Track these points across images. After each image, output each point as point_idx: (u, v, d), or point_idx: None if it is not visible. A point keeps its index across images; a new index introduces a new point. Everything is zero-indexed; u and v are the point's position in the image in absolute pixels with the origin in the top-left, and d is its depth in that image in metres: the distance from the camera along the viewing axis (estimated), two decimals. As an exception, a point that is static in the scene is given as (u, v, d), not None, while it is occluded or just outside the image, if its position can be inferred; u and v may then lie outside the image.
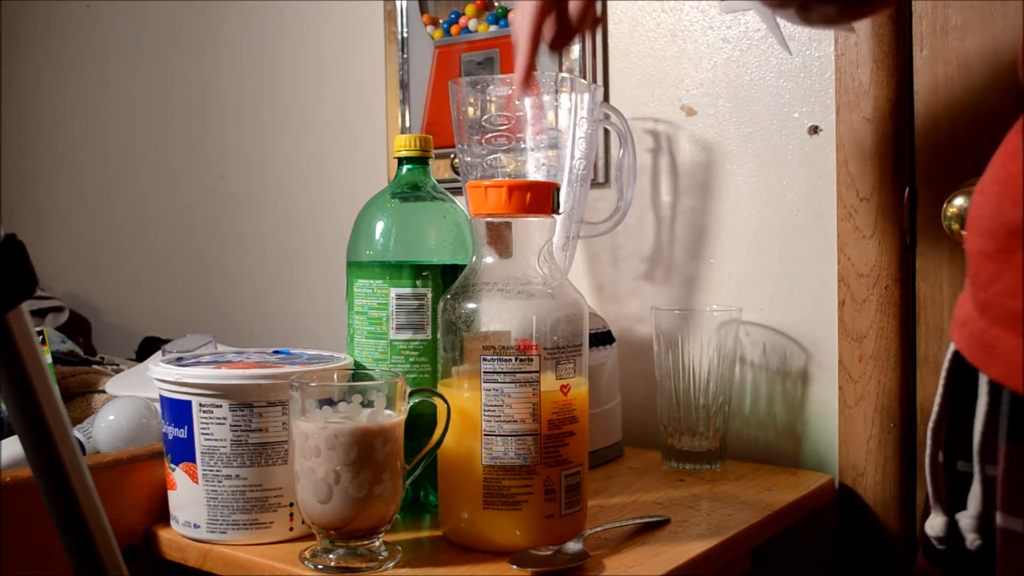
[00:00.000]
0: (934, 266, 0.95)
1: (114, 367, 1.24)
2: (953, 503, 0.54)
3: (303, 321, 1.50)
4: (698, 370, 0.98)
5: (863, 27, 0.95)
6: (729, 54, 1.06)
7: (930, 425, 0.56)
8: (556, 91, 0.97)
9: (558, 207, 0.77)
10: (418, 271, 0.82)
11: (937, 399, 0.55)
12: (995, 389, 0.50)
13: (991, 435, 0.51)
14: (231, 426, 0.76)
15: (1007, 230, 0.47)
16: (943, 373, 0.55)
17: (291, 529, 0.78)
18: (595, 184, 1.15)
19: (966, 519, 0.53)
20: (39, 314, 1.60)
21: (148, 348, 1.46)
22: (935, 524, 0.55)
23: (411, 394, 0.74)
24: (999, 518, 0.49)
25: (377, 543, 0.72)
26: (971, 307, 0.50)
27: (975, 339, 0.49)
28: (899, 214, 0.95)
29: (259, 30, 1.54)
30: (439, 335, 0.76)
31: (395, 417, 0.72)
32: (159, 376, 0.79)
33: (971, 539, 0.53)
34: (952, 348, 0.53)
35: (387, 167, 1.38)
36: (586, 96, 0.99)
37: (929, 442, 0.56)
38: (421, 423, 0.76)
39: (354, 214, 0.87)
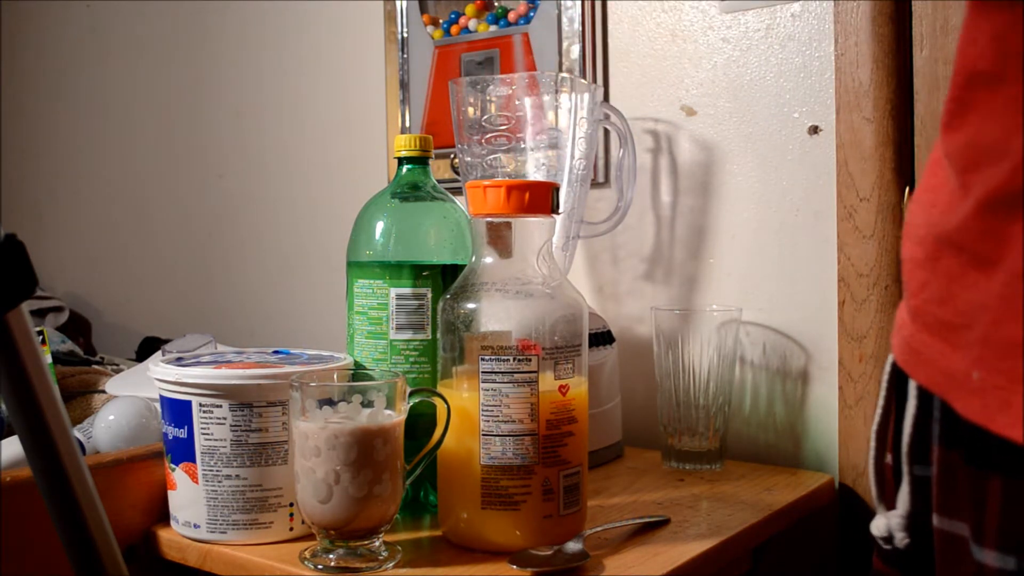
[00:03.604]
0: (934, 266, 0.94)
1: (114, 367, 1.24)
2: (914, 506, 0.55)
3: (303, 321, 1.50)
4: (698, 370, 0.98)
5: (863, 27, 0.95)
6: (729, 54, 1.06)
7: (873, 428, 0.57)
8: (556, 91, 0.97)
9: (558, 207, 0.77)
10: (418, 271, 0.82)
11: (880, 401, 0.56)
12: (924, 392, 0.50)
13: (920, 437, 0.51)
14: (231, 426, 0.76)
15: (934, 238, 0.48)
16: (884, 377, 0.56)
17: (291, 529, 0.78)
18: (595, 184, 1.15)
19: (895, 518, 0.54)
20: (39, 314, 1.60)
21: (148, 348, 1.46)
22: (879, 524, 0.56)
23: (411, 394, 0.74)
24: (935, 519, 0.50)
25: (377, 543, 0.72)
26: (904, 313, 0.51)
27: (905, 344, 0.50)
28: (899, 214, 0.95)
29: (259, 30, 1.54)
30: (439, 335, 0.76)
31: (395, 417, 0.72)
32: (159, 376, 0.79)
33: (899, 537, 0.54)
34: (892, 356, 0.54)
35: (387, 167, 1.38)
36: (586, 96, 0.99)
37: (873, 444, 0.57)
38: (421, 423, 0.76)
39: (354, 214, 0.87)
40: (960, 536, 0.48)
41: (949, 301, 0.46)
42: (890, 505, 0.56)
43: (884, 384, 0.56)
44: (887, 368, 0.56)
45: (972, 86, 0.44)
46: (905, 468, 0.53)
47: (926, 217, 0.49)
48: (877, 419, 0.57)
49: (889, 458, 0.56)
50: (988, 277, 0.43)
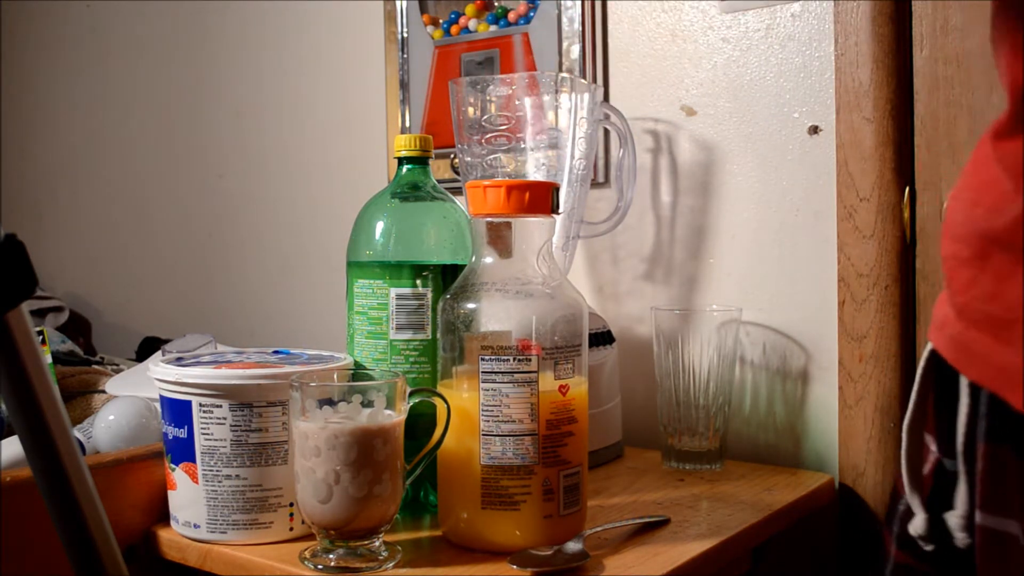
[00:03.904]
0: (934, 266, 0.95)
1: (114, 367, 1.24)
2: (933, 501, 0.55)
3: (303, 321, 1.50)
4: (698, 370, 0.98)
5: (863, 27, 0.95)
6: (729, 54, 1.06)
7: (905, 424, 0.57)
8: (556, 91, 0.97)
9: (558, 207, 0.77)
10: (418, 271, 0.82)
11: (913, 397, 0.56)
12: (975, 390, 0.50)
13: (973, 435, 0.51)
14: (231, 426, 0.76)
15: (980, 236, 0.48)
16: (919, 373, 0.56)
17: (291, 529, 0.78)
18: (595, 184, 1.15)
19: (955, 519, 0.54)
20: (39, 314, 1.60)
21: (148, 348, 1.46)
22: (917, 524, 0.56)
23: (411, 394, 0.74)
24: (979, 516, 0.50)
25: (377, 543, 0.72)
26: (949, 310, 0.51)
27: (954, 341, 0.50)
28: (899, 214, 0.95)
29: (259, 30, 1.54)
30: (439, 335, 0.76)
31: (395, 417, 0.72)
32: (159, 376, 0.79)
33: (961, 538, 0.53)
34: (928, 348, 0.54)
35: (387, 167, 1.38)
36: (586, 96, 0.99)
37: (905, 439, 0.57)
38: (421, 423, 0.76)
39: (354, 214, 0.87)
40: (1008, 533, 0.48)
41: (999, 297, 0.46)
42: (928, 503, 0.55)
43: (919, 379, 0.56)
44: (922, 363, 0.55)
45: None
46: (962, 467, 0.53)
47: (968, 215, 0.50)
48: (910, 414, 0.56)
49: (924, 451, 0.56)
50: None
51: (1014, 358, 0.45)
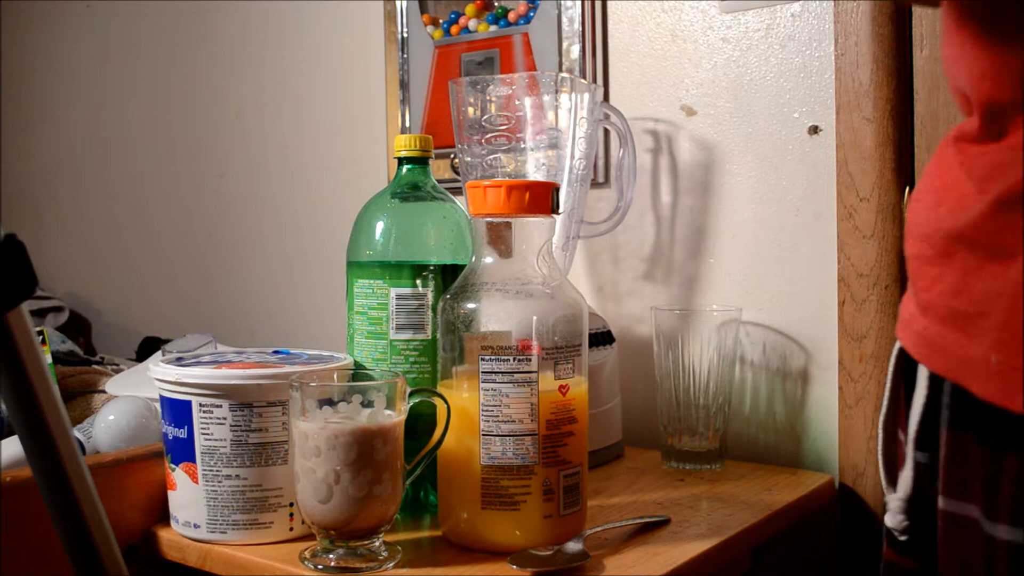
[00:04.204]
0: (934, 266, 0.94)
1: (114, 367, 1.24)
2: (914, 494, 0.57)
3: (303, 321, 1.50)
4: (698, 370, 0.98)
5: (863, 27, 0.95)
6: (729, 54, 1.06)
7: (880, 418, 0.59)
8: (556, 91, 0.97)
9: (558, 207, 0.77)
10: (418, 271, 0.82)
11: (886, 394, 0.59)
12: (935, 382, 0.53)
13: (929, 424, 0.54)
14: (231, 426, 0.76)
15: (943, 236, 0.51)
16: (890, 370, 0.58)
17: (291, 529, 0.78)
18: (595, 184, 1.15)
19: (895, 501, 0.57)
20: (39, 314, 1.60)
21: (148, 348, 1.46)
22: (891, 516, 0.58)
23: (411, 394, 0.74)
24: (941, 502, 0.52)
25: (377, 543, 0.72)
26: (914, 307, 0.54)
27: (919, 337, 0.53)
28: (899, 214, 0.95)
29: (259, 30, 1.54)
30: (439, 335, 0.76)
31: (395, 417, 0.72)
32: (159, 376, 0.79)
33: (899, 520, 0.57)
34: (897, 346, 0.57)
35: (387, 167, 1.38)
36: (586, 96, 0.99)
37: (881, 435, 0.60)
38: (421, 423, 0.76)
39: (354, 214, 0.87)
40: (968, 517, 0.50)
41: (964, 292, 0.49)
42: (909, 497, 0.57)
43: (890, 376, 0.58)
44: (892, 360, 0.58)
45: (994, 115, 0.49)
46: (909, 453, 0.56)
47: (930, 216, 0.53)
48: (884, 410, 0.59)
49: (899, 447, 0.58)
50: (1006, 268, 0.46)
51: (977, 349, 0.47)
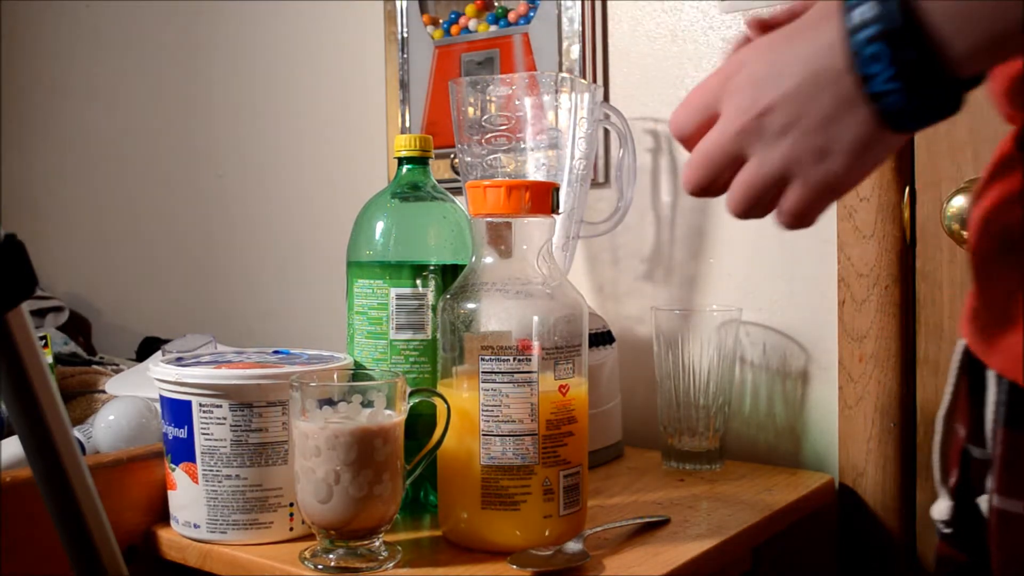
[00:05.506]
0: (934, 266, 0.94)
1: (114, 367, 1.24)
2: (962, 488, 0.57)
3: (303, 321, 1.50)
4: (698, 370, 0.98)
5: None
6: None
7: (941, 413, 0.59)
8: (556, 91, 0.97)
9: (558, 207, 0.77)
10: (418, 271, 0.82)
11: (948, 388, 0.58)
12: (1001, 379, 0.52)
13: (982, 421, 0.54)
14: (231, 426, 0.76)
15: (1006, 231, 0.50)
16: (954, 365, 0.58)
17: (291, 529, 0.78)
18: (595, 184, 1.15)
19: (984, 503, 0.55)
20: (39, 314, 1.60)
21: (148, 348, 1.46)
22: (941, 508, 0.58)
23: (411, 394, 0.74)
24: (995, 499, 0.52)
25: (377, 543, 0.72)
26: (975, 302, 0.53)
27: (979, 333, 0.52)
28: (899, 214, 0.95)
29: (259, 30, 1.54)
30: (439, 335, 0.76)
31: (395, 417, 0.72)
32: (159, 376, 0.79)
33: (942, 510, 0.57)
34: (962, 343, 0.57)
35: (387, 167, 1.38)
36: (586, 96, 0.99)
37: (939, 429, 0.59)
38: (421, 423, 0.76)
39: (354, 214, 0.87)
40: (1023, 515, 0.50)
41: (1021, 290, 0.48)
42: (952, 491, 0.58)
43: (953, 373, 0.58)
44: (957, 355, 0.58)
45: None
46: (991, 453, 0.55)
47: (994, 214, 0.52)
48: (945, 405, 0.59)
49: (957, 440, 0.58)
50: None
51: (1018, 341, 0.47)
